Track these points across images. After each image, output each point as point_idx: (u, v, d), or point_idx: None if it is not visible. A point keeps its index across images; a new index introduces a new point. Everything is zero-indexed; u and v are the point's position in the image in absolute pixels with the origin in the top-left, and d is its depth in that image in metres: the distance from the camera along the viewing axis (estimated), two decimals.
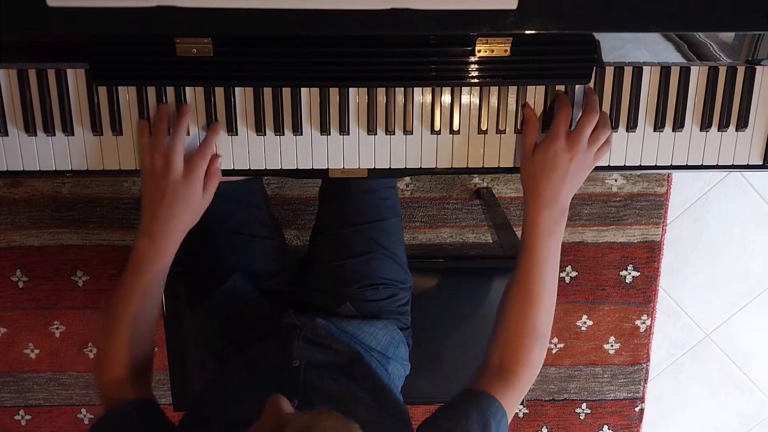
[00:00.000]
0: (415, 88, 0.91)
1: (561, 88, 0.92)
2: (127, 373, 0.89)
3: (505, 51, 0.87)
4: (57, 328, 1.81)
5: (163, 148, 0.86)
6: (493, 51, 0.87)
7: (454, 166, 0.95)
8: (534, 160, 0.88)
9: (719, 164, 0.96)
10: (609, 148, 0.91)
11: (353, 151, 0.93)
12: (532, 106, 0.92)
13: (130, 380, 0.89)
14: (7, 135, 0.91)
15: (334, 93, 0.91)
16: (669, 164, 0.96)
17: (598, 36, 0.87)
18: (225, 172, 0.93)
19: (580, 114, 0.89)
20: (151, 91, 0.90)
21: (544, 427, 1.96)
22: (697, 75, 0.92)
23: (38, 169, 0.92)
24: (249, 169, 0.93)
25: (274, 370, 0.90)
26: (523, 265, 0.89)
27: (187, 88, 0.90)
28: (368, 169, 0.94)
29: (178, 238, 0.89)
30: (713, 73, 0.92)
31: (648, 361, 1.91)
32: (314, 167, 0.94)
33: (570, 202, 0.89)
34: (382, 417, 0.85)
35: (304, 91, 0.91)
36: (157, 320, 0.94)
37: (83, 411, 1.91)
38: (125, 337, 0.89)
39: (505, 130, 0.93)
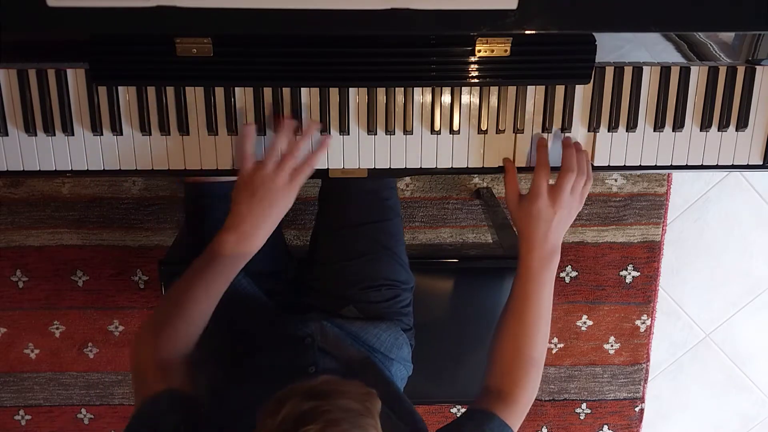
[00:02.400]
0: (415, 88, 0.91)
1: (561, 88, 0.92)
2: (171, 357, 0.87)
3: (505, 51, 0.87)
4: (57, 328, 1.81)
5: (281, 156, 0.87)
6: (493, 51, 0.87)
7: (454, 166, 0.95)
8: (520, 211, 0.91)
9: (719, 164, 0.96)
10: (590, 185, 0.92)
11: (353, 151, 0.93)
12: (533, 107, 0.92)
13: (169, 365, 0.86)
14: (7, 135, 0.91)
15: (334, 93, 0.91)
16: (669, 164, 0.96)
17: (597, 36, 0.88)
18: (225, 172, 0.93)
19: (559, 171, 0.90)
20: (151, 91, 0.90)
21: (544, 427, 1.96)
22: (697, 75, 0.92)
23: (38, 169, 0.92)
24: None
25: (290, 379, 0.90)
26: (518, 297, 0.91)
27: (187, 88, 0.90)
28: (368, 169, 0.94)
29: (263, 240, 0.90)
30: (713, 73, 0.92)
31: (648, 361, 1.91)
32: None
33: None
34: (399, 426, 0.85)
35: (304, 91, 0.91)
36: (209, 316, 0.92)
37: (83, 411, 1.91)
38: (181, 322, 0.88)
39: (504, 130, 0.93)
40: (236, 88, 0.90)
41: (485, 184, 1.71)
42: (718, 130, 0.94)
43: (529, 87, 0.91)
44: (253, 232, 0.88)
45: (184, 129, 0.91)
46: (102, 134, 0.91)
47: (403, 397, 0.95)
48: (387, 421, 0.84)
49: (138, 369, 0.88)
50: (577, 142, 0.93)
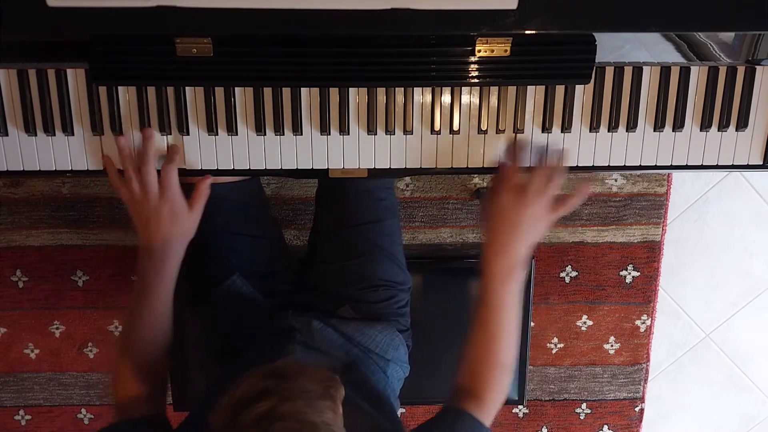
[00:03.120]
0: (415, 88, 0.91)
1: (561, 88, 0.92)
2: (140, 390, 0.90)
3: (505, 51, 0.87)
4: (57, 328, 1.81)
5: (135, 177, 0.88)
6: (493, 51, 0.87)
7: (454, 166, 0.95)
8: (488, 206, 0.89)
9: (719, 164, 0.96)
10: (578, 201, 0.90)
11: (353, 151, 0.93)
12: (533, 107, 0.92)
13: (143, 397, 0.90)
14: (7, 135, 0.91)
15: (334, 93, 0.91)
16: (669, 164, 0.96)
17: (597, 36, 0.88)
18: (225, 172, 0.93)
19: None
20: (151, 91, 0.90)
21: (544, 427, 1.96)
22: (697, 75, 0.92)
23: (38, 169, 0.92)
24: (249, 169, 0.93)
25: None
26: (482, 307, 0.90)
27: (187, 88, 0.90)
28: (368, 169, 0.94)
29: (175, 256, 0.92)
30: (713, 73, 0.92)
31: (648, 361, 1.91)
32: (314, 167, 0.94)
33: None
34: (380, 422, 0.85)
35: (304, 91, 0.91)
36: (170, 338, 0.95)
37: (83, 411, 1.91)
38: (138, 356, 0.91)
39: (504, 130, 0.93)
40: (236, 88, 0.90)
41: (485, 184, 1.71)
42: (718, 130, 0.94)
43: (529, 87, 0.91)
44: (165, 252, 0.91)
45: (184, 129, 0.91)
46: (102, 134, 0.91)
47: (386, 398, 0.95)
48: (371, 419, 0.84)
49: (114, 404, 0.92)
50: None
